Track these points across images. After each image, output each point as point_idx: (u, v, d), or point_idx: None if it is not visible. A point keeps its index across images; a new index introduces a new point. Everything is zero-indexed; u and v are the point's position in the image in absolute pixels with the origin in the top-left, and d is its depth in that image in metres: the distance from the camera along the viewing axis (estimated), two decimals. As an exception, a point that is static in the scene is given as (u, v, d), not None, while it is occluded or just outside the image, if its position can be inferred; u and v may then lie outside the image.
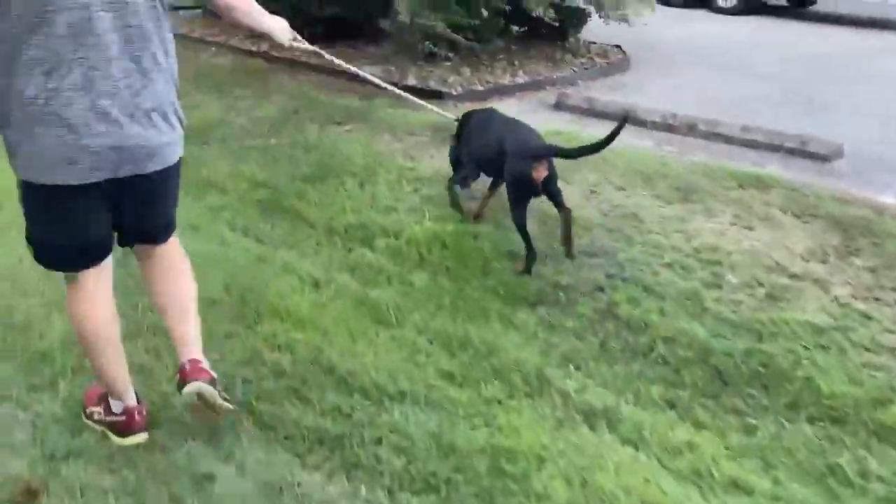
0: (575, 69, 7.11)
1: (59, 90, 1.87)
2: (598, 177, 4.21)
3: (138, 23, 1.95)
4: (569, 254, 3.41)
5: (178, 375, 2.24)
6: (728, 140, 5.13)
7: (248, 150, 4.85)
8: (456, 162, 3.96)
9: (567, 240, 3.42)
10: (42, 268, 2.21)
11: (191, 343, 2.28)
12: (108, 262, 2.18)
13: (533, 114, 5.32)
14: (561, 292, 3.20)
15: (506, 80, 6.60)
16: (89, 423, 2.35)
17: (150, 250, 2.31)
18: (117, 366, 2.24)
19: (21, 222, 2.13)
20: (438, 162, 4.45)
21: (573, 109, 5.82)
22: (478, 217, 3.80)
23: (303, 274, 3.33)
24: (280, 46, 2.57)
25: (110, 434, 2.30)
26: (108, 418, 2.30)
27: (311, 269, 3.38)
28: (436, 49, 6.58)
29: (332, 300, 3.14)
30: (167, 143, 2.10)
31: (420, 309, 3.07)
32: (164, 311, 2.33)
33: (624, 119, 3.13)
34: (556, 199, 3.38)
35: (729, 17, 11.34)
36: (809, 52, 8.32)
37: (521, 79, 6.65)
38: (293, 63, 6.93)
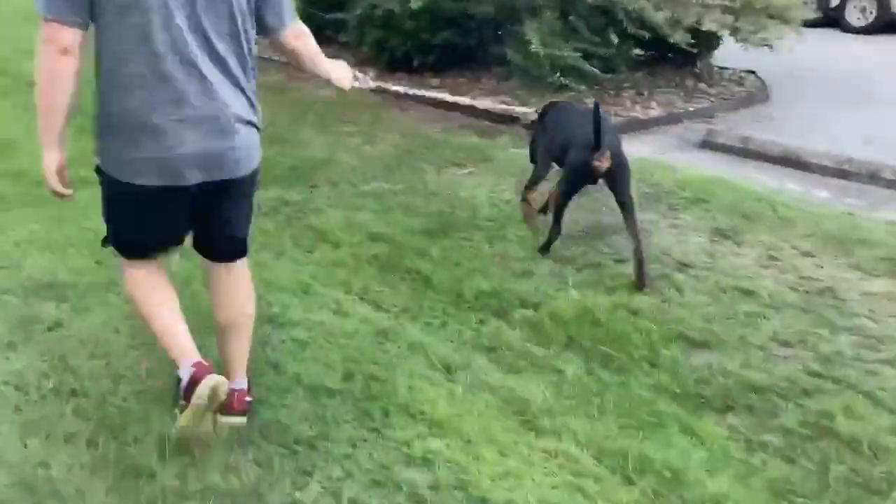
0: (712, 99, 6.47)
1: (156, 104, 1.99)
2: (775, 238, 3.58)
3: (225, 46, 2.06)
4: (641, 285, 3.24)
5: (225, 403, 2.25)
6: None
7: (361, 195, 4.44)
8: (532, 157, 3.92)
9: (639, 266, 3.27)
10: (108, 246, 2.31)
11: (238, 366, 2.40)
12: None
13: (678, 152, 4.74)
14: (753, 394, 2.60)
15: (637, 112, 6.03)
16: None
17: (222, 267, 2.35)
18: (175, 336, 2.26)
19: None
20: (577, 213, 3.91)
21: (724, 149, 5.17)
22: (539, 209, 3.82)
23: (433, 355, 2.85)
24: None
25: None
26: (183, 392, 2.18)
27: (441, 349, 2.90)
28: (567, 81, 6.06)
29: (471, 393, 2.63)
30: (253, 145, 2.18)
31: (577, 411, 2.54)
32: (222, 329, 2.38)
33: None
34: (619, 197, 3.38)
35: (862, 35, 10.37)
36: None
37: (655, 111, 6.06)
38: (401, 95, 6.58)
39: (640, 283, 3.26)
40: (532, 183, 3.76)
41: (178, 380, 2.22)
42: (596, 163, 3.24)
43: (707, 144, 5.36)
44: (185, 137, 2.02)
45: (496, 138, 5.18)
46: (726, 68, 7.53)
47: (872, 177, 4.59)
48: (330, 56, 2.47)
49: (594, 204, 3.97)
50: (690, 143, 5.37)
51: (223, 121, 2.06)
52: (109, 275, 3.12)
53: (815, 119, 5.93)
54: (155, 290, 2.31)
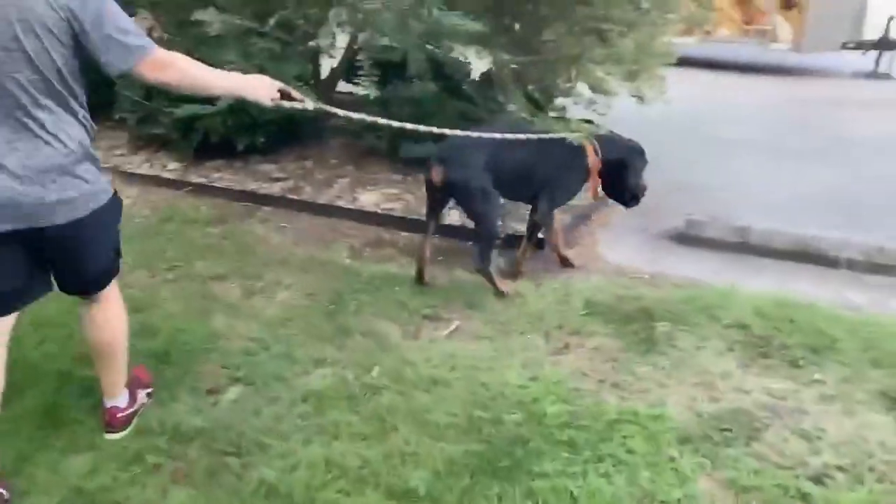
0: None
1: None
2: None
3: (30, 93, 2.10)
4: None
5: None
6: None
7: (306, 414, 2.76)
8: None
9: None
10: None
11: (107, 387, 2.67)
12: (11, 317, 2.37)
13: (650, 252, 3.73)
14: None
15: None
16: None
17: (85, 298, 2.52)
18: None
19: None
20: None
21: (712, 245, 4.31)
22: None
23: None
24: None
25: None
26: None
27: None
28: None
29: None
30: (73, 197, 2.22)
31: None
32: (95, 357, 2.64)
33: None
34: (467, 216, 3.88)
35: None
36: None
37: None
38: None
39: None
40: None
41: None
42: (429, 174, 3.62)
43: (687, 239, 4.48)
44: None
45: (461, 257, 3.76)
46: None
47: (909, 265, 4.04)
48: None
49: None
50: (659, 237, 4.43)
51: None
52: None
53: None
54: None
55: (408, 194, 5.03)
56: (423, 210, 4.70)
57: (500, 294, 3.60)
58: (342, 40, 6.01)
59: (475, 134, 3.48)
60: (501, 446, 2.60)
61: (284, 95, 2.54)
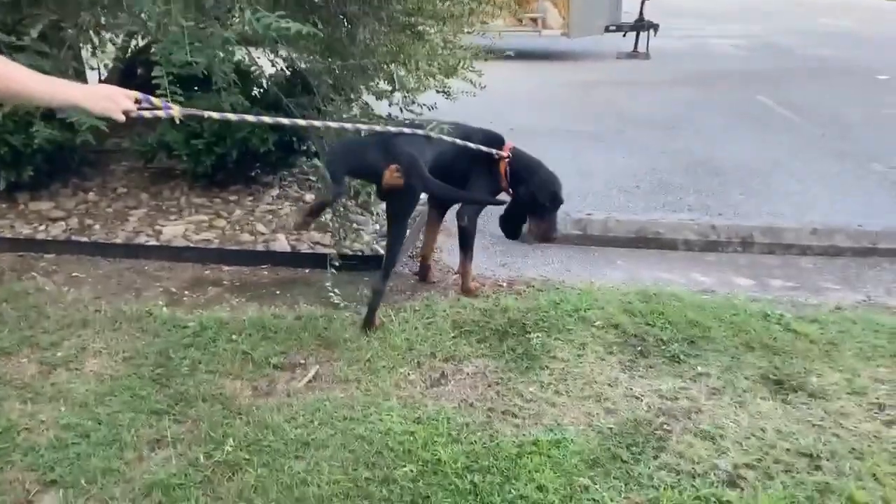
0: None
1: None
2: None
3: None
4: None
5: None
6: None
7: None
8: None
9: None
10: None
11: None
12: None
13: (498, 257, 3.65)
14: None
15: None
16: None
17: None
18: None
19: None
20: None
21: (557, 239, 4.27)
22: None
23: None
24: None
25: None
26: None
27: None
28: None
29: None
30: None
31: None
32: None
33: None
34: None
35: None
36: None
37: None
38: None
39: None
40: None
41: None
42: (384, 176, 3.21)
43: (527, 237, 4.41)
44: None
45: (300, 287, 3.33)
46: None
47: (744, 243, 4.22)
48: None
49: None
50: (498, 237, 4.31)
51: None
52: None
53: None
54: None
55: (219, 219, 4.54)
56: (243, 236, 4.28)
57: (368, 325, 3.27)
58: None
59: (409, 131, 3.28)
60: (400, 511, 2.30)
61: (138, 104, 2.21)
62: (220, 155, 4.63)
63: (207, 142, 4.57)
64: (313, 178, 5.26)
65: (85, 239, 4.22)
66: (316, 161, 5.15)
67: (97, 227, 4.40)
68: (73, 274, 3.85)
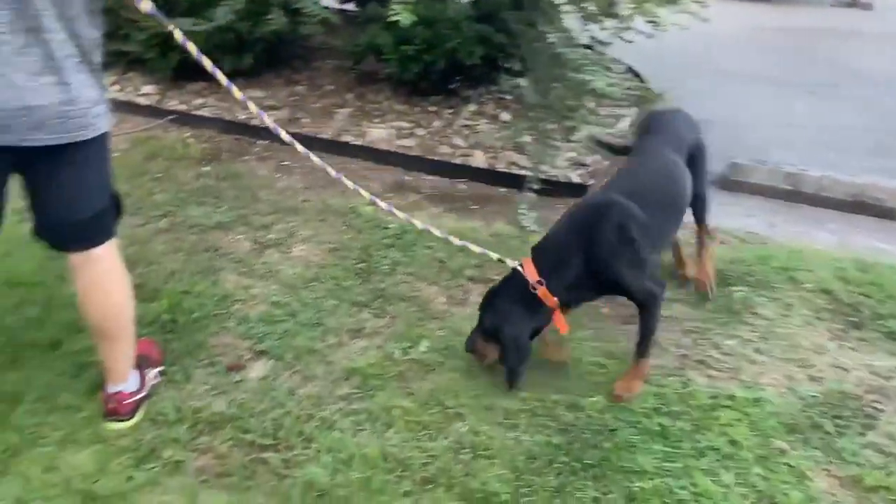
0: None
1: None
2: None
3: None
4: None
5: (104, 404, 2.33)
6: None
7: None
8: None
9: None
10: None
11: (111, 371, 2.31)
12: None
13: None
14: None
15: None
16: None
17: (79, 258, 2.15)
18: None
19: None
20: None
21: (763, 191, 4.04)
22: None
23: None
24: None
25: None
26: None
27: None
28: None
29: None
30: (65, 111, 1.90)
31: None
32: (94, 336, 2.30)
33: None
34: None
35: None
36: None
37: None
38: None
39: None
40: None
41: None
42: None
43: (730, 184, 4.21)
44: None
45: (497, 205, 3.38)
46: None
47: None
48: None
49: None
50: None
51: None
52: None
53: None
54: None
55: (419, 129, 4.64)
56: (442, 148, 4.35)
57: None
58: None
59: None
60: (586, 437, 2.32)
61: None
62: (427, 63, 4.70)
63: (418, 49, 4.64)
64: (509, 97, 5.23)
65: (296, 131, 4.45)
66: (518, 80, 5.13)
67: (306, 120, 4.63)
68: (284, 162, 4.09)
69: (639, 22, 4.23)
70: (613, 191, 2.56)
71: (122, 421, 2.32)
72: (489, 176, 4.05)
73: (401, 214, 2.65)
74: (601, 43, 4.22)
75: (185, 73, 4.95)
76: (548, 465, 2.22)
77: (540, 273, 2.43)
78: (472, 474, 2.18)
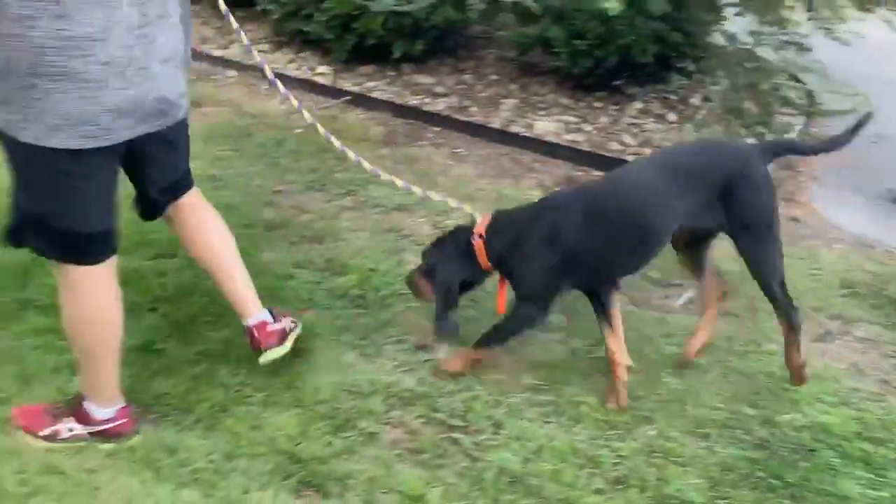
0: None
1: (73, 38, 1.76)
2: None
3: None
4: None
5: (248, 340, 2.39)
6: None
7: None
8: None
9: None
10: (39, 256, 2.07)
11: (246, 300, 2.38)
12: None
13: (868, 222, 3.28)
14: None
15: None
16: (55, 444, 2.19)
17: (179, 206, 2.31)
18: (115, 368, 2.18)
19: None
20: None
21: None
22: None
23: None
24: None
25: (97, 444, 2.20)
26: (93, 428, 2.20)
27: None
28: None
29: None
30: (183, 93, 2.10)
31: None
32: (217, 270, 2.37)
33: None
34: None
35: None
36: None
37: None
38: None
39: None
40: None
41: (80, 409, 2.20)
42: None
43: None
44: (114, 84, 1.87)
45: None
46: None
47: None
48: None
49: None
50: (879, 198, 3.90)
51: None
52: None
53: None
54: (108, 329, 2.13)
55: (586, 124, 4.60)
56: (612, 145, 4.30)
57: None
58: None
59: None
60: (783, 455, 2.26)
61: None
62: (598, 59, 4.66)
63: (590, 44, 4.60)
64: (674, 97, 5.12)
65: (465, 118, 4.52)
66: (684, 81, 5.01)
67: (474, 109, 4.69)
68: (456, 149, 4.16)
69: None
70: (580, 197, 2.52)
71: (274, 349, 2.37)
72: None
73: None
74: (802, 48, 4.06)
75: (358, 55, 5.10)
76: (744, 478, 2.19)
77: (487, 232, 2.48)
78: (664, 479, 2.17)
